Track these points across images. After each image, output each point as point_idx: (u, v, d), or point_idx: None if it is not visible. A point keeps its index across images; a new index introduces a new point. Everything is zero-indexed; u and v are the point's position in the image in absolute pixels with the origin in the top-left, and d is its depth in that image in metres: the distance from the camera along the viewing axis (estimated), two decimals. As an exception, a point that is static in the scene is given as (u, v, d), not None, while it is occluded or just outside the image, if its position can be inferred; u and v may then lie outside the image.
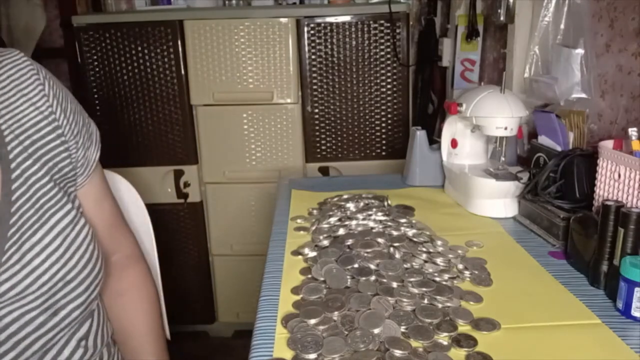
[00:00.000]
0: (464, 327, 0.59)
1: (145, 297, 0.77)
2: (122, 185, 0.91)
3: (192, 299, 1.87)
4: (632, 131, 0.66)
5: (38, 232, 0.55)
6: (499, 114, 0.89)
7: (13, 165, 0.55)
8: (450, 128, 1.05)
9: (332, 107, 1.70)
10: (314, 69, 1.66)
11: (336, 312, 0.61)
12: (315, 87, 1.68)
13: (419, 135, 1.09)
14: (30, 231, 0.55)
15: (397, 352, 0.53)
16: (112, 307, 0.74)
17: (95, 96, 1.66)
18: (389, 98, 1.70)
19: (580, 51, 0.96)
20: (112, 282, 0.74)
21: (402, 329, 0.58)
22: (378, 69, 1.67)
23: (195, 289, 1.86)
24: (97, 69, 1.65)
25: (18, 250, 0.54)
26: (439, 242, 0.80)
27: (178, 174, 1.74)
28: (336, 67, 1.66)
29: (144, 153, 1.71)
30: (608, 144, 0.73)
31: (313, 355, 0.54)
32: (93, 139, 0.66)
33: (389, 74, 1.68)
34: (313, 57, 1.65)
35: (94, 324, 0.66)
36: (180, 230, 1.80)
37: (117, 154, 1.66)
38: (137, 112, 1.68)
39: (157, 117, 1.69)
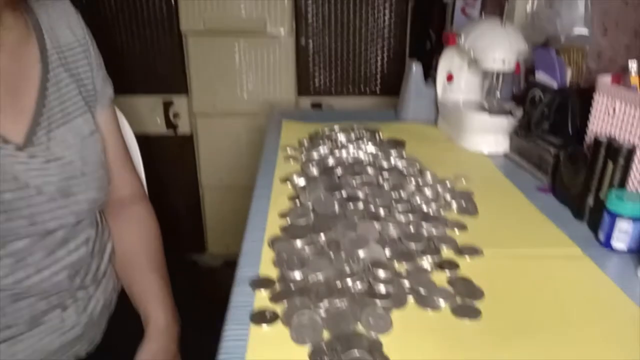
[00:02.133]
0: (447, 253, 0.61)
1: (152, 227, 0.81)
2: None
3: (182, 229, 1.89)
4: (632, 63, 0.65)
5: (62, 127, 0.66)
6: (497, 47, 0.87)
7: (50, 70, 0.67)
8: (447, 61, 1.02)
9: (326, 39, 1.65)
10: (309, -2, 1.60)
11: (322, 235, 0.62)
12: (309, 17, 1.62)
13: (415, 68, 1.07)
14: (55, 125, 0.65)
15: (381, 273, 0.54)
16: (121, 230, 0.77)
17: (81, 19, 1.59)
18: (385, 32, 1.65)
19: (586, -17, 0.93)
20: (123, 211, 0.79)
21: (387, 252, 0.59)
22: (376, 1, 1.61)
23: (185, 220, 1.88)
24: (82, -11, 1.57)
25: (46, 136, 0.64)
26: (428, 174, 0.80)
27: (167, 104, 1.71)
28: (333, -3, 1.60)
29: (131, 81, 1.66)
30: (606, 78, 0.72)
31: (298, 274, 0.55)
32: (109, 83, 0.78)
33: (387, 5, 1.61)
34: (309, -15, 1.58)
35: (92, 231, 0.71)
36: (170, 161, 1.79)
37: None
38: (124, 37, 1.62)
39: (144, 44, 1.63)
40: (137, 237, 0.78)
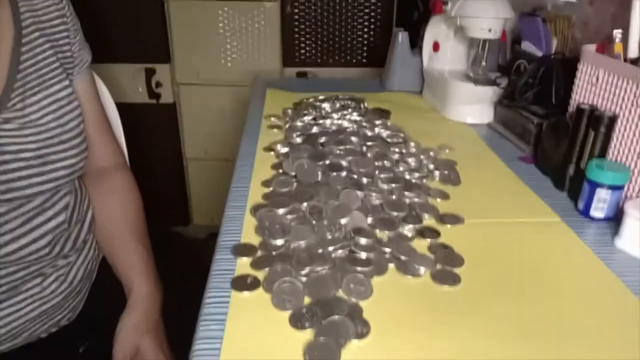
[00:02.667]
0: (428, 221, 0.61)
1: (133, 197, 0.79)
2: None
3: (166, 202, 1.87)
4: (617, 32, 0.64)
5: (38, 94, 0.64)
6: (484, 14, 0.86)
7: (24, 32, 0.64)
8: (434, 30, 1.01)
9: (312, 7, 1.62)
10: (295, -37, 1.56)
11: (305, 203, 0.61)
12: (295, -16, 1.58)
13: (401, 37, 1.06)
14: (31, 91, 0.64)
15: (362, 240, 0.55)
16: (102, 200, 0.76)
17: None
18: (373, 1, 1.62)
19: (575, -50, 0.91)
20: (104, 180, 0.77)
21: (369, 220, 0.59)
22: (363, -33, 1.57)
23: (170, 192, 1.87)
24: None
25: (21, 101, 0.62)
26: (412, 144, 0.80)
27: (149, 73, 1.67)
28: (319, -37, 1.56)
29: (112, 48, 1.61)
30: (591, 47, 0.71)
31: (280, 241, 0.55)
32: (87, 49, 0.75)
33: (374, -27, 1.58)
34: (294, -51, 1.54)
35: (71, 199, 0.69)
36: (153, 131, 1.76)
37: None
38: (104, 3, 1.56)
39: (125, 10, 1.58)
40: (118, 206, 0.77)
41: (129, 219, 0.77)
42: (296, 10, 1.62)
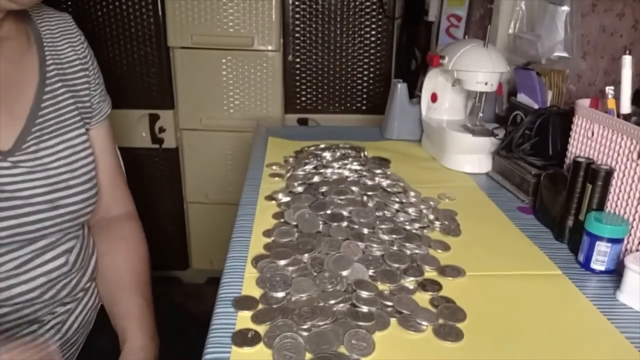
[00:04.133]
0: (430, 273, 0.61)
1: (140, 247, 0.80)
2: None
3: (165, 245, 1.87)
4: (609, 89, 0.67)
5: (54, 139, 0.67)
6: (480, 69, 0.89)
7: (47, 82, 0.68)
8: (431, 81, 1.04)
9: (314, 57, 1.67)
10: (297, 15, 1.61)
11: (306, 255, 0.62)
12: (297, 35, 1.64)
13: (400, 88, 1.08)
14: (47, 136, 0.66)
15: (364, 294, 0.54)
16: (108, 248, 0.77)
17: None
18: (372, 51, 1.67)
19: (565, 8, 0.95)
20: (112, 229, 0.79)
21: (370, 272, 0.59)
22: (363, 19, 1.63)
23: (169, 236, 1.86)
24: (69, 2, 1.57)
25: (36, 144, 0.65)
26: (412, 194, 0.81)
27: (153, 119, 1.70)
28: (320, 16, 1.62)
29: (118, 95, 1.65)
30: (585, 102, 0.73)
31: (281, 294, 0.54)
32: (107, 100, 0.79)
33: (373, 26, 1.64)
34: (297, 2, 1.60)
35: (77, 244, 0.70)
36: (155, 176, 1.78)
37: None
38: (112, 51, 1.61)
39: (132, 58, 1.63)
40: (124, 255, 0.77)
41: (132, 269, 0.76)
42: (297, 59, 1.67)
